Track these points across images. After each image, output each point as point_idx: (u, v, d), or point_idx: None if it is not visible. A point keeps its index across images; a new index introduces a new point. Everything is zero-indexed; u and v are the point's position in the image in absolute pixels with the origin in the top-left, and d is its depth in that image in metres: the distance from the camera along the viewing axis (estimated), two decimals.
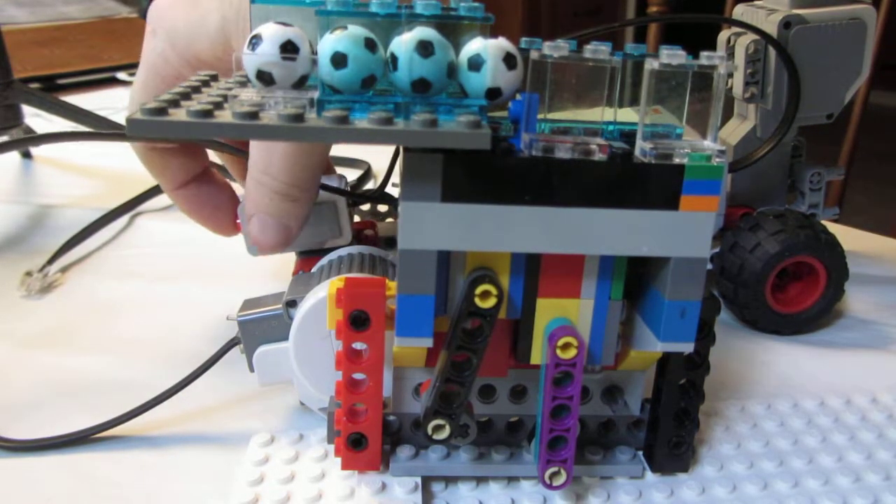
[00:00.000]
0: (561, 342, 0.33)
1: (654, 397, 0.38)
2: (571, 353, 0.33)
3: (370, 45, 0.30)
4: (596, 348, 0.35)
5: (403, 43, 0.29)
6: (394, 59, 0.30)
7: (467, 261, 0.33)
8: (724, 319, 0.55)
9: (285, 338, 0.39)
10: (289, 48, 0.30)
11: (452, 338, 0.33)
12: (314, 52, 0.31)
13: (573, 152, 0.31)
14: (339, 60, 0.29)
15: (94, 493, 0.38)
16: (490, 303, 0.32)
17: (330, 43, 0.29)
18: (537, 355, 0.35)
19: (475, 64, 0.31)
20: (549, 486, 0.35)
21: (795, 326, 0.53)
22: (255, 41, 0.30)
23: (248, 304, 0.42)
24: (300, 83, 0.31)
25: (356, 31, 0.30)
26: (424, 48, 0.29)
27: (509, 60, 0.31)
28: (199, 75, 0.35)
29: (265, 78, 0.31)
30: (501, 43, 0.31)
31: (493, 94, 0.31)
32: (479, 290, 0.32)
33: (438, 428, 0.34)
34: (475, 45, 0.31)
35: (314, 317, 0.38)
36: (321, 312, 0.37)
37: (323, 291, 0.38)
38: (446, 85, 0.30)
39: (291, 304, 0.39)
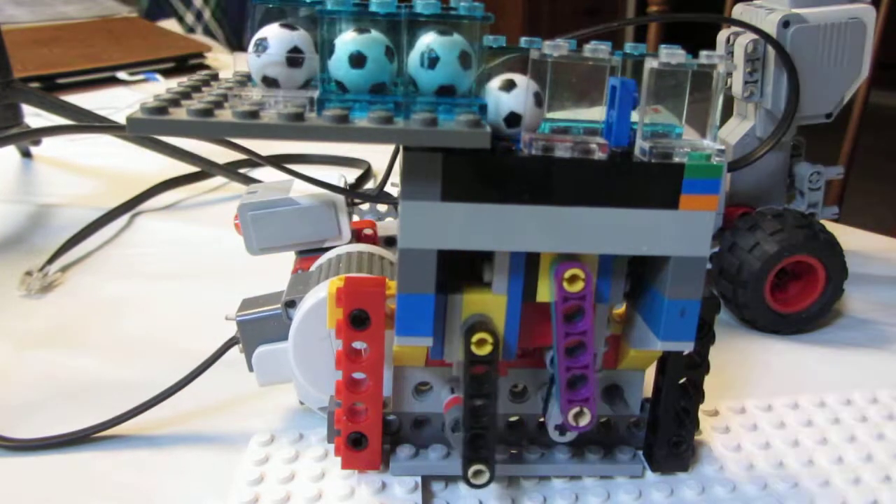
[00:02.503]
0: (567, 274, 0.32)
1: (654, 397, 0.38)
2: (579, 285, 0.32)
3: (389, 53, 0.30)
4: (604, 286, 0.34)
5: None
6: (432, 59, 0.30)
7: (463, 306, 0.33)
8: (724, 319, 0.55)
9: (284, 338, 0.39)
10: (295, 57, 0.31)
11: (465, 389, 0.33)
12: (317, 52, 0.31)
13: (573, 151, 0.31)
14: (357, 60, 0.29)
15: (94, 491, 0.38)
16: (486, 350, 0.32)
17: (352, 42, 0.29)
18: (544, 292, 0.34)
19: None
20: (574, 428, 0.34)
21: (795, 326, 0.53)
22: (261, 45, 0.31)
23: (247, 303, 0.42)
24: (304, 86, 0.32)
25: (378, 36, 0.30)
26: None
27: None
28: (200, 74, 0.35)
29: (270, 83, 0.31)
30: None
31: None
32: (474, 338, 0.32)
33: (478, 473, 0.34)
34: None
35: (313, 317, 0.38)
36: (320, 313, 0.37)
37: (322, 292, 0.38)
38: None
39: (290, 304, 0.39)
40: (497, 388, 0.33)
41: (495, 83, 0.31)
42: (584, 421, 0.34)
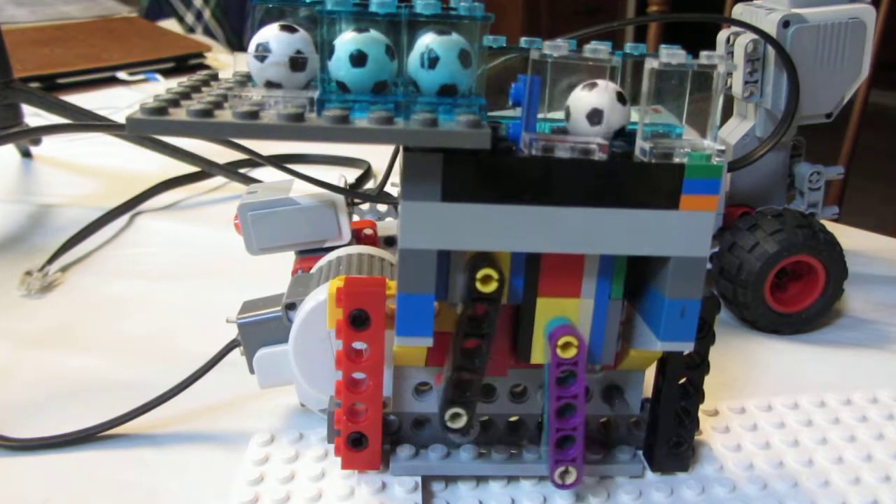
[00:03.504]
0: (561, 341, 0.33)
1: (654, 397, 0.38)
2: (572, 352, 0.33)
3: (390, 51, 0.30)
4: (596, 347, 0.35)
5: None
6: (433, 59, 0.30)
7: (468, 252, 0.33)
8: (724, 319, 0.55)
9: (285, 340, 0.39)
10: (298, 59, 0.31)
11: (460, 326, 0.33)
12: (316, 50, 0.31)
13: (573, 152, 0.31)
14: (358, 59, 0.29)
15: (94, 491, 0.38)
16: (491, 287, 0.32)
17: (352, 41, 0.30)
18: (538, 355, 0.35)
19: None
20: (561, 486, 0.35)
21: (795, 326, 0.53)
22: (263, 49, 0.31)
23: (248, 306, 0.42)
24: (305, 87, 0.32)
25: (378, 35, 0.30)
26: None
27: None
28: (200, 74, 0.35)
29: (273, 86, 0.31)
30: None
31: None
32: (479, 274, 0.32)
33: (455, 416, 0.34)
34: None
35: (314, 320, 0.38)
36: (321, 315, 0.37)
37: (322, 294, 0.38)
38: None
39: (291, 307, 0.39)
40: (494, 331, 0.33)
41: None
42: (570, 479, 0.35)
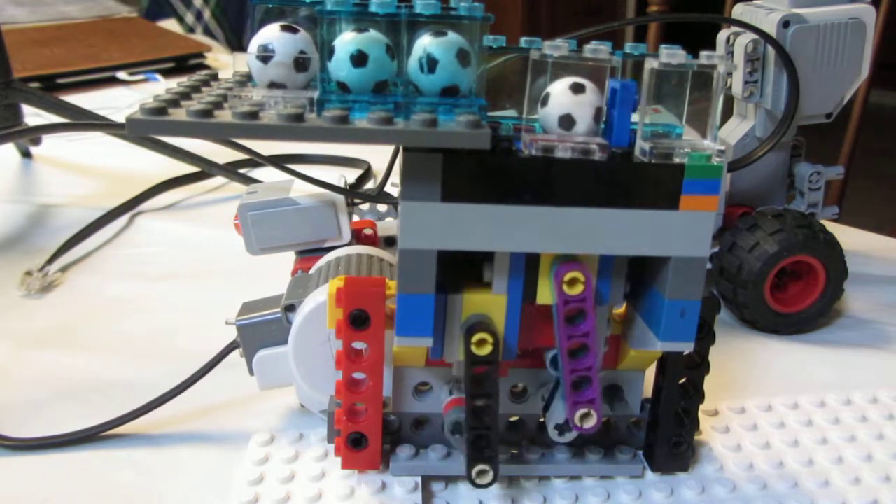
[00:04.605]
0: (567, 277, 0.32)
1: (654, 397, 0.38)
2: (579, 288, 0.32)
3: (391, 51, 0.30)
4: (604, 287, 0.34)
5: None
6: (432, 62, 0.30)
7: (463, 306, 0.33)
8: (724, 319, 0.55)
9: (284, 342, 0.39)
10: (302, 60, 0.31)
11: (467, 388, 0.33)
12: (316, 50, 0.31)
13: (573, 152, 0.31)
14: (359, 59, 0.29)
15: (94, 491, 0.38)
16: (486, 349, 0.32)
17: (352, 41, 0.30)
18: (544, 295, 0.34)
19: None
20: (580, 429, 0.34)
21: (795, 326, 0.53)
22: (266, 51, 0.31)
23: (247, 307, 0.42)
24: (305, 87, 0.32)
25: (378, 35, 0.30)
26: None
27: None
28: (200, 74, 0.35)
29: (277, 86, 0.31)
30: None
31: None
32: (474, 338, 0.32)
33: (482, 473, 0.34)
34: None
35: (313, 321, 0.38)
36: (320, 317, 0.37)
37: (321, 296, 0.38)
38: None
39: (290, 308, 0.39)
40: (498, 387, 0.33)
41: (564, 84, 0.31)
42: (591, 422, 0.34)
